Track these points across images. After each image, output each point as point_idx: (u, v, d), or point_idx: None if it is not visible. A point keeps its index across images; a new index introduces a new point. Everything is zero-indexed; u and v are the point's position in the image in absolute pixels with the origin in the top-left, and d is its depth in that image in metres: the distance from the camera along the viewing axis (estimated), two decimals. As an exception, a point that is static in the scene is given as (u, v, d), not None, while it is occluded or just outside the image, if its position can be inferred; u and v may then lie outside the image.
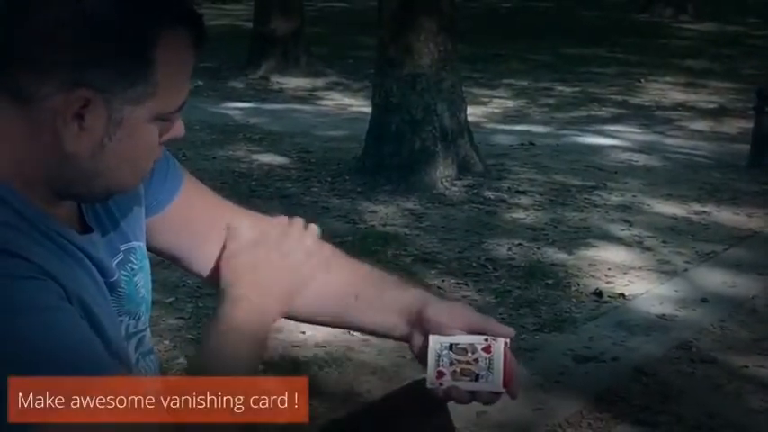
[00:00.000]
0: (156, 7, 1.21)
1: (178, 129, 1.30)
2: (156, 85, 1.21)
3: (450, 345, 1.40)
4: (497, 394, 1.41)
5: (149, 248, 1.50)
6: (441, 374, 1.38)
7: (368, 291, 1.54)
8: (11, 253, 1.16)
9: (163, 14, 1.21)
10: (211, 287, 1.61)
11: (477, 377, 1.39)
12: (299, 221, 1.50)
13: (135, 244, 1.41)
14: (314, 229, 1.51)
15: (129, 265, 1.38)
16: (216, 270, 1.53)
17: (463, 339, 1.39)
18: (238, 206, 1.61)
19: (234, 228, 1.48)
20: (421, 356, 1.47)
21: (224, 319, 1.38)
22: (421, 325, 1.48)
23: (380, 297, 1.54)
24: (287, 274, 1.44)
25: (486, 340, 1.40)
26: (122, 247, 1.37)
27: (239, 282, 1.42)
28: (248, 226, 1.49)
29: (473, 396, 1.41)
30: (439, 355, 1.41)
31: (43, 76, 1.18)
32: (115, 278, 1.33)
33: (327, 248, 1.53)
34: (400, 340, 1.54)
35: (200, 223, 1.53)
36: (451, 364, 1.39)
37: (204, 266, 1.54)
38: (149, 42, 1.19)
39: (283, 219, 1.51)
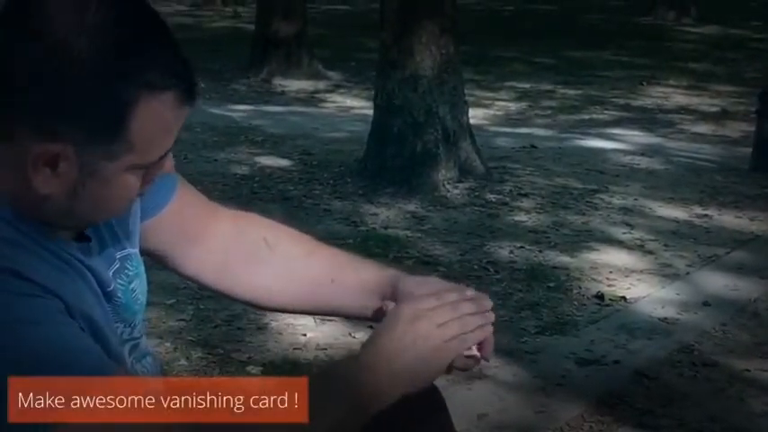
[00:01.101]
0: (136, 71, 1.16)
1: (166, 166, 1.28)
2: (131, 143, 1.18)
3: None
4: (472, 358, 1.40)
5: (143, 252, 1.50)
6: None
7: (344, 273, 1.54)
8: (11, 271, 1.15)
9: (142, 79, 1.16)
10: (207, 289, 1.61)
11: None
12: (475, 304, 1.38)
13: (131, 251, 1.40)
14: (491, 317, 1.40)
15: (126, 272, 1.38)
16: (215, 274, 1.53)
17: None
18: (225, 208, 1.61)
19: (412, 288, 1.42)
20: None
21: (346, 369, 1.31)
22: (394, 300, 1.48)
23: (356, 278, 1.54)
24: (434, 362, 1.33)
25: None
26: (118, 255, 1.37)
27: (382, 349, 1.31)
28: (425, 292, 1.41)
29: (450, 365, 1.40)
30: None
31: (19, 120, 1.16)
32: (111, 288, 1.32)
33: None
34: (376, 320, 1.52)
35: (194, 224, 1.53)
36: None
37: (197, 268, 1.55)
38: (125, 106, 1.16)
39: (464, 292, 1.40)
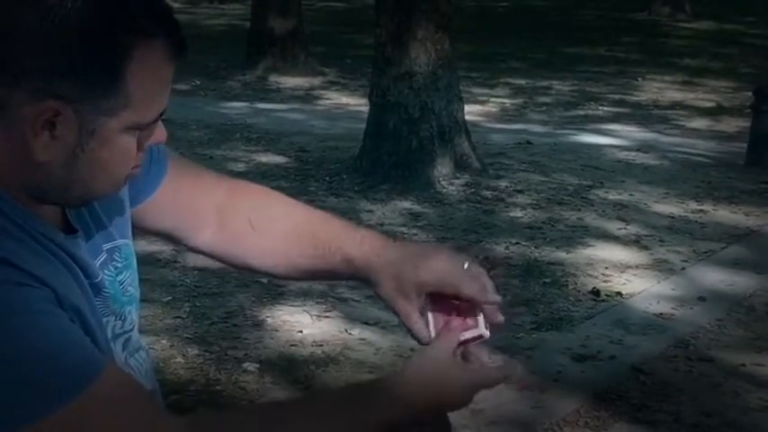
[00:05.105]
0: (129, 19, 1.17)
1: (159, 134, 1.27)
2: (128, 97, 1.18)
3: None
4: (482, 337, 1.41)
5: (146, 231, 1.49)
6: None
7: (329, 252, 1.51)
8: (0, 259, 1.15)
9: (136, 26, 1.17)
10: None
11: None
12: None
13: (120, 242, 1.39)
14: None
15: (113, 264, 1.36)
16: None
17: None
18: (226, 178, 1.60)
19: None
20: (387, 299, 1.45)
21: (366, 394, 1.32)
22: (392, 284, 1.45)
23: (341, 257, 1.50)
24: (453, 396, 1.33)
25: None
26: (105, 247, 1.36)
27: (410, 381, 1.32)
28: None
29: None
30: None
31: (12, 83, 1.15)
32: (99, 279, 1.31)
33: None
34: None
35: (192, 206, 1.52)
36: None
37: (204, 246, 1.55)
38: (121, 55, 1.16)
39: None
